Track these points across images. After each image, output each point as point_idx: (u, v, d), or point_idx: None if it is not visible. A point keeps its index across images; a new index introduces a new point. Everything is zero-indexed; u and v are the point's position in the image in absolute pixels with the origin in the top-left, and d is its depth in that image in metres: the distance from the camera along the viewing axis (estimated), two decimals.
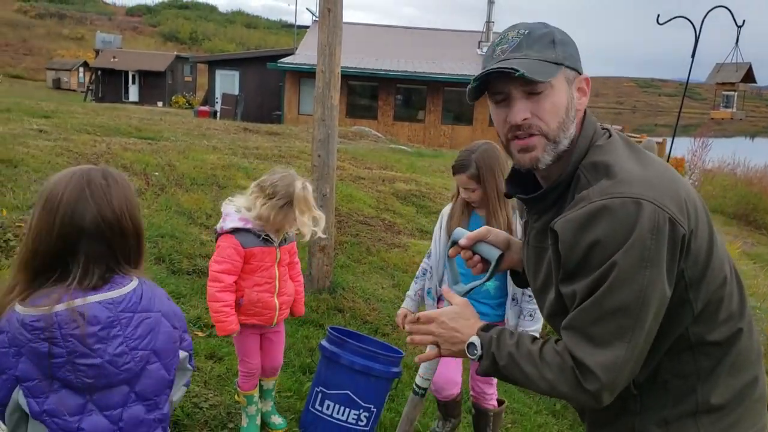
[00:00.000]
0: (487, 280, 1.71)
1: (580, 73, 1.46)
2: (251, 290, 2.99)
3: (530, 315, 3.04)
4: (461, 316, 1.57)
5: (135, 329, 1.55)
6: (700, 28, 5.59)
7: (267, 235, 2.99)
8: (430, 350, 1.65)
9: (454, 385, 3.32)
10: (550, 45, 1.41)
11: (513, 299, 3.05)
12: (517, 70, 1.34)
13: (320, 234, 3.04)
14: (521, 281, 1.84)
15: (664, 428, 1.45)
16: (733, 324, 1.44)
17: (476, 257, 1.75)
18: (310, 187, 3.01)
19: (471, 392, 3.41)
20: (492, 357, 1.46)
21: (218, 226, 2.99)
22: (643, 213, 1.28)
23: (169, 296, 1.72)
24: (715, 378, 1.44)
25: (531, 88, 1.39)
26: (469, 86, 1.45)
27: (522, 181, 1.59)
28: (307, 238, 3.01)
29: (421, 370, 1.77)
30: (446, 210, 3.24)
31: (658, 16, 5.93)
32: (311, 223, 2.96)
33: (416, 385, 1.80)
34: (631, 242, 1.27)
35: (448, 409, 3.44)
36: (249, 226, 2.93)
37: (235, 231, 2.92)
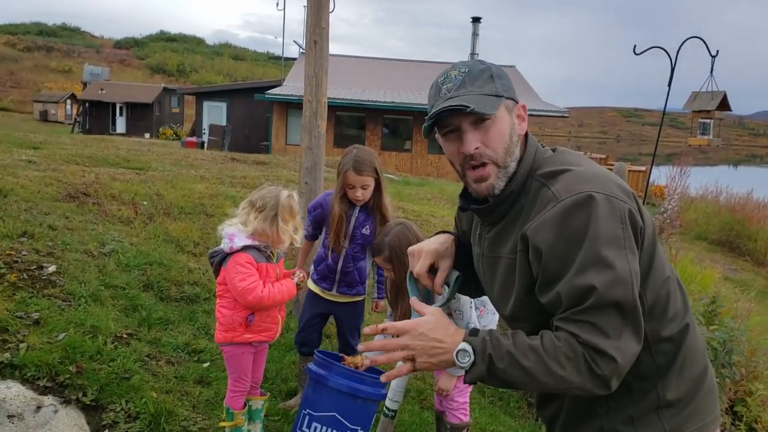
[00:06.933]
0: (448, 300, 1.79)
1: (516, 102, 1.61)
2: None
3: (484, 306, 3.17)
4: (440, 325, 1.48)
5: None
6: (676, 58, 5.77)
7: (270, 251, 3.08)
8: (400, 366, 1.50)
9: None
10: (490, 80, 1.56)
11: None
12: (468, 106, 1.47)
13: (298, 243, 3.16)
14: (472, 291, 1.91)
15: (630, 425, 1.54)
16: (680, 320, 1.56)
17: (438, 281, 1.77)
18: (295, 197, 3.14)
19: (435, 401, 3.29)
20: (489, 359, 1.40)
21: (225, 247, 3.01)
22: (610, 206, 1.40)
23: None
24: (671, 374, 1.55)
25: (478, 119, 1.52)
26: (425, 124, 1.58)
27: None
28: (287, 245, 3.12)
29: (390, 393, 1.81)
30: None
31: (635, 46, 6.10)
32: (293, 231, 3.09)
33: (386, 407, 1.84)
34: (609, 235, 1.37)
35: None
36: (255, 243, 3.01)
37: (245, 248, 2.99)
